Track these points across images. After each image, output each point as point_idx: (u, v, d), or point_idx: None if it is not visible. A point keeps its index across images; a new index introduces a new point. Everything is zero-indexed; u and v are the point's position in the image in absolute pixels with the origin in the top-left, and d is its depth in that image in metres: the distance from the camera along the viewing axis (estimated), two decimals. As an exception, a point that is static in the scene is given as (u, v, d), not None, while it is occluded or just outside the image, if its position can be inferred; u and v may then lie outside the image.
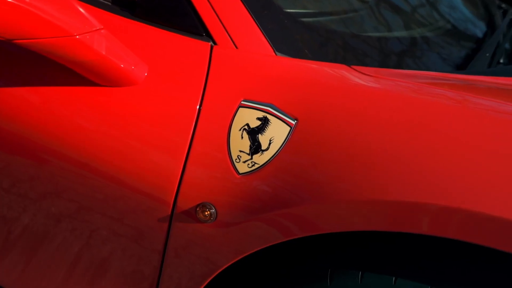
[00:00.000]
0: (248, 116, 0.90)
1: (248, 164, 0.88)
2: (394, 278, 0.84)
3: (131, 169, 0.95)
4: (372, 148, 0.82)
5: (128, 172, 0.95)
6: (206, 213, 0.90)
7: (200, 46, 0.97)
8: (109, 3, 1.03)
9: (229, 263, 0.94)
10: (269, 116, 0.89)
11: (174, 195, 0.92)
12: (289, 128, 0.87)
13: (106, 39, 0.86)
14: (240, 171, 0.88)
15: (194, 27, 0.98)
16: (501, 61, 1.51)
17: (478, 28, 1.62)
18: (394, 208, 0.79)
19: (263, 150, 0.88)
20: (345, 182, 0.82)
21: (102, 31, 0.85)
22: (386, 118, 0.84)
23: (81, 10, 0.84)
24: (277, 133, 0.88)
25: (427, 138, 0.81)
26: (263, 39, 1.00)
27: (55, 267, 1.13)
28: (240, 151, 0.89)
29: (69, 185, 1.01)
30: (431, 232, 0.77)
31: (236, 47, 0.98)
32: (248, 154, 0.88)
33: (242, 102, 0.91)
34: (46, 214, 1.05)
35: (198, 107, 0.92)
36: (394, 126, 0.83)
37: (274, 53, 0.99)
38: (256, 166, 0.88)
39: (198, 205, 0.90)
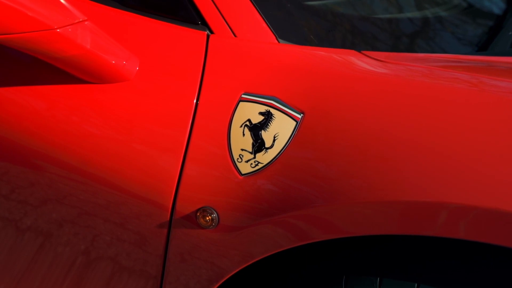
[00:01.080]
0: (250, 111, 0.81)
1: (251, 163, 0.80)
2: (416, 285, 0.76)
3: (125, 172, 0.88)
4: (385, 141, 0.74)
5: (123, 175, 0.88)
6: (207, 218, 0.82)
7: (195, 35, 0.89)
8: (95, -7, 0.95)
9: (238, 269, 0.86)
10: (272, 110, 0.80)
11: (172, 199, 0.85)
12: (295, 123, 0.79)
13: (90, 31, 0.79)
14: (243, 172, 0.80)
15: (188, 15, 0.90)
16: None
17: (498, 5, 1.52)
18: (412, 209, 0.70)
19: (267, 148, 0.80)
20: (358, 179, 0.74)
21: (86, 23, 0.78)
22: (396, 107, 0.76)
23: (62, 0, 0.76)
24: (282, 129, 0.79)
25: (440, 129, 0.72)
26: (264, 25, 0.91)
27: (56, 272, 1.07)
28: (242, 149, 0.81)
29: (62, 188, 0.94)
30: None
31: (235, 35, 0.90)
32: (251, 153, 0.80)
33: (243, 96, 0.83)
34: (48, 220, 0.99)
35: (195, 101, 0.84)
36: (404, 116, 0.75)
37: (276, 41, 0.91)
38: (260, 165, 0.80)
39: (198, 210, 0.83)
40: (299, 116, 0.79)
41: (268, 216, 0.80)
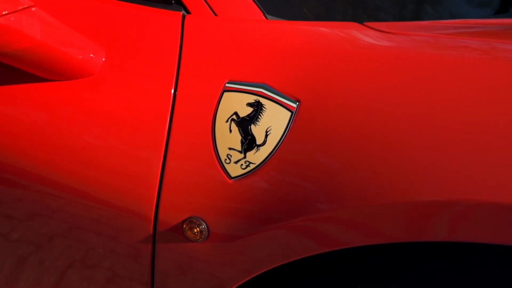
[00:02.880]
0: (236, 102, 0.69)
1: (242, 164, 0.68)
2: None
3: (102, 181, 0.76)
4: (393, 127, 0.62)
5: (100, 185, 0.76)
6: (195, 230, 0.70)
7: (168, 17, 0.76)
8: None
9: (240, 283, 0.75)
10: (262, 100, 0.68)
11: (153, 209, 0.73)
12: (289, 113, 0.66)
13: (40, 19, 0.66)
14: (232, 175, 0.68)
15: (159, -7, 0.77)
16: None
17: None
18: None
19: (259, 145, 0.67)
20: (367, 172, 0.62)
21: (33, 9, 0.65)
22: (404, 86, 0.65)
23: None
24: (275, 121, 0.67)
25: (453, 108, 0.61)
26: (249, 0, 0.78)
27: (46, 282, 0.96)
28: (230, 148, 0.68)
29: (38, 200, 0.83)
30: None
31: (215, 14, 0.77)
32: (240, 152, 0.68)
33: (227, 85, 0.70)
34: (36, 235, 0.87)
35: (172, 94, 0.71)
36: (413, 96, 0.64)
37: (264, 17, 0.78)
38: (252, 166, 0.67)
39: (184, 221, 0.71)
40: (294, 105, 0.67)
41: (270, 223, 0.68)
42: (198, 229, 0.70)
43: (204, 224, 0.70)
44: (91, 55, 0.74)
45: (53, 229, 0.85)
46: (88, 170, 0.76)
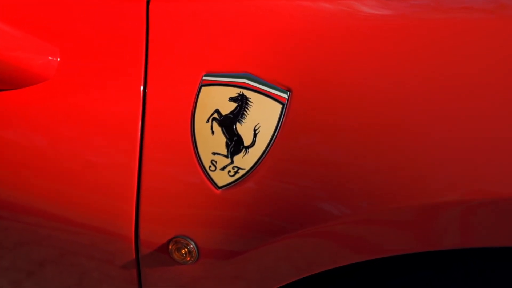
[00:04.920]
0: (217, 98, 0.58)
1: (229, 171, 0.57)
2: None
3: (74, 199, 0.65)
4: (405, 113, 0.52)
5: (72, 204, 0.66)
6: (183, 251, 0.60)
7: (130, 4, 0.65)
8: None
9: None
10: (247, 93, 0.57)
11: (133, 228, 0.63)
12: (280, 106, 0.56)
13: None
14: (220, 184, 0.58)
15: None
16: None
17: None
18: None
19: (248, 147, 0.56)
20: (373, 163, 0.52)
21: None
22: (406, 61, 0.55)
23: None
24: (264, 117, 0.56)
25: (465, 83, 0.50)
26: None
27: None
28: (214, 153, 0.58)
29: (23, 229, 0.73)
30: None
31: (184, -6, 0.65)
32: (226, 157, 0.57)
33: (204, 78, 0.59)
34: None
35: (142, 89, 0.60)
36: (416, 71, 0.53)
37: (242, -6, 0.66)
38: (242, 172, 0.57)
39: (169, 241, 0.61)
40: (285, 96, 0.56)
41: (274, 235, 0.58)
42: (186, 249, 0.60)
43: (192, 243, 0.60)
44: (43, 57, 0.63)
45: (43, 256, 0.75)
46: (58, 190, 0.65)
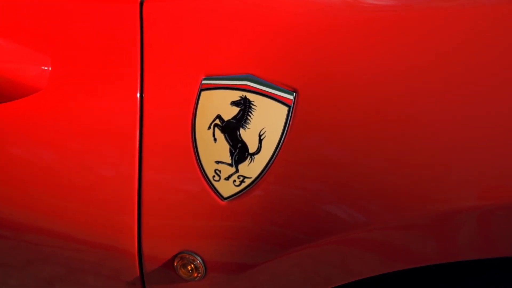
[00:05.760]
0: (218, 103, 0.54)
1: (234, 180, 0.53)
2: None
3: (75, 215, 0.62)
4: (420, 109, 0.47)
5: (74, 221, 0.63)
6: (189, 267, 0.56)
7: (123, 6, 0.61)
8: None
9: None
10: (250, 96, 0.53)
11: (136, 243, 0.59)
12: (286, 109, 0.51)
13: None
14: (225, 194, 0.54)
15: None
16: None
17: None
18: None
19: (253, 154, 0.52)
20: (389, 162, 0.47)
21: None
22: (418, 54, 0.50)
23: None
24: (269, 121, 0.52)
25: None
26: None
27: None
28: (218, 162, 0.54)
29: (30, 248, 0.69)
30: None
31: (180, -6, 0.61)
32: (231, 165, 0.53)
33: (204, 82, 0.55)
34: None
35: (138, 96, 0.56)
36: (430, 65, 0.49)
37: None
38: (248, 181, 0.53)
39: (174, 257, 0.57)
40: (291, 98, 0.52)
41: (288, 246, 0.53)
42: (192, 265, 0.56)
43: (198, 258, 0.56)
44: (34, 67, 0.60)
45: (50, 274, 0.72)
46: (57, 204, 0.62)
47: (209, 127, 0.54)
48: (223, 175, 0.54)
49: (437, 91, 0.48)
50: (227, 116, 0.54)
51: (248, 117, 0.53)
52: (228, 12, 0.58)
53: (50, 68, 0.61)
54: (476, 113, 0.46)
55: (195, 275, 0.57)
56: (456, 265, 0.55)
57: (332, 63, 0.52)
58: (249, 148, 0.53)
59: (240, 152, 0.53)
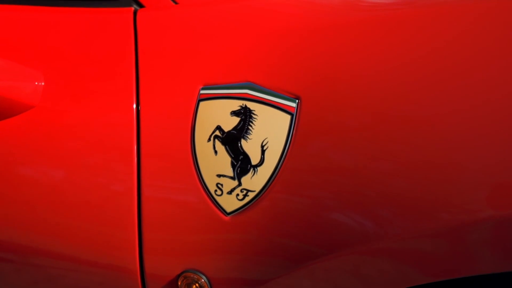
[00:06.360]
0: (217, 113, 0.51)
1: (237, 194, 0.50)
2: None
3: (75, 233, 0.60)
4: (430, 111, 0.44)
5: (74, 239, 0.60)
6: (194, 287, 0.53)
7: (116, 16, 0.59)
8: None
9: None
10: (250, 105, 0.50)
11: (137, 261, 0.56)
12: (289, 117, 0.49)
13: None
14: (228, 209, 0.51)
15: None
16: None
17: None
18: None
19: (256, 166, 0.50)
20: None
21: None
22: (424, 53, 0.47)
23: None
24: (271, 131, 0.49)
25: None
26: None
27: None
28: (219, 175, 0.51)
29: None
30: None
31: (175, 2, 0.59)
32: (233, 178, 0.50)
33: (202, 92, 0.52)
34: None
35: (134, 107, 0.54)
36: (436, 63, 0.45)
37: (238, -6, 0.60)
38: (252, 194, 0.50)
39: (178, 277, 0.54)
40: (294, 105, 0.49)
41: (301, 261, 0.51)
42: (197, 284, 0.54)
43: (203, 277, 0.53)
44: (27, 84, 0.58)
45: None
46: (57, 223, 0.60)
47: (209, 139, 0.52)
48: (226, 189, 0.51)
49: (447, 89, 0.45)
50: (227, 127, 0.51)
51: (249, 127, 0.50)
52: (224, 18, 0.55)
53: (43, 83, 0.59)
54: (490, 112, 0.43)
55: (200, 294, 0.54)
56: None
57: (334, 65, 0.49)
58: (252, 160, 0.50)
59: (242, 165, 0.50)
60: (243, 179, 0.51)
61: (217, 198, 0.52)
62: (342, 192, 0.48)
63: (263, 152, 0.50)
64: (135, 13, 0.59)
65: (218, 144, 0.51)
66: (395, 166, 0.46)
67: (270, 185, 0.50)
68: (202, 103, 0.53)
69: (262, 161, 0.50)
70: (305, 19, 0.52)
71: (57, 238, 0.61)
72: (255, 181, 0.50)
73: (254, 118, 0.50)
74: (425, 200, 0.45)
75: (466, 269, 0.45)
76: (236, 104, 0.51)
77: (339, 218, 0.48)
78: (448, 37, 0.47)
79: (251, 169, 0.50)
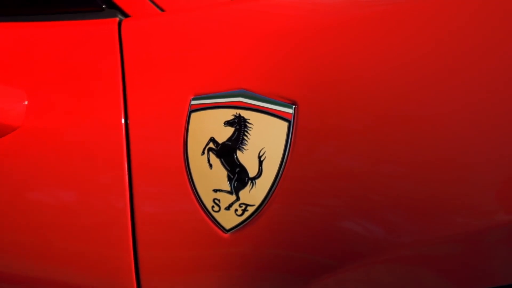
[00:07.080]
0: (210, 124, 0.48)
1: (236, 210, 0.47)
2: None
3: (67, 259, 0.57)
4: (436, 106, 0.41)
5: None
6: (195, 310, 0.50)
7: (100, 27, 0.56)
8: None
9: None
10: (244, 113, 0.47)
11: (135, 285, 0.53)
12: (286, 124, 0.46)
13: None
14: (227, 226, 0.48)
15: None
16: None
17: None
18: None
19: (254, 178, 0.46)
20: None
21: None
22: (429, 50, 0.44)
23: None
24: (268, 140, 0.46)
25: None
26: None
27: None
28: (216, 190, 0.48)
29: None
30: None
31: (161, 9, 0.56)
32: (230, 193, 0.47)
33: (193, 102, 0.49)
34: None
35: (123, 122, 0.51)
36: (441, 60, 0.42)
37: (228, -2, 0.57)
38: (251, 209, 0.47)
39: (178, 300, 0.51)
40: (290, 111, 0.46)
41: (312, 277, 0.47)
42: (198, 307, 0.50)
43: (205, 299, 0.50)
44: (8, 104, 0.55)
45: None
46: (49, 248, 0.57)
47: (203, 152, 0.49)
48: (223, 204, 0.48)
49: (452, 86, 0.42)
50: (221, 138, 0.48)
51: (245, 138, 0.47)
52: (214, 24, 0.52)
53: (26, 102, 0.56)
54: (505, 111, 0.40)
55: (203, 318, 0.51)
56: None
57: (330, 67, 0.46)
58: (249, 172, 0.47)
59: (239, 178, 0.47)
60: (241, 193, 0.47)
61: (215, 215, 0.48)
62: (348, 199, 0.45)
63: (260, 163, 0.47)
64: (119, 23, 0.56)
65: (212, 157, 0.48)
66: (401, 166, 0.43)
67: (270, 197, 0.47)
68: (193, 114, 0.49)
69: (260, 172, 0.47)
70: (300, 20, 0.49)
71: (51, 264, 0.58)
72: (254, 195, 0.47)
73: (249, 127, 0.47)
74: (437, 205, 0.42)
75: (486, 279, 0.42)
76: (229, 114, 0.48)
77: (347, 226, 0.45)
78: (452, 32, 0.44)
79: (249, 182, 0.47)
